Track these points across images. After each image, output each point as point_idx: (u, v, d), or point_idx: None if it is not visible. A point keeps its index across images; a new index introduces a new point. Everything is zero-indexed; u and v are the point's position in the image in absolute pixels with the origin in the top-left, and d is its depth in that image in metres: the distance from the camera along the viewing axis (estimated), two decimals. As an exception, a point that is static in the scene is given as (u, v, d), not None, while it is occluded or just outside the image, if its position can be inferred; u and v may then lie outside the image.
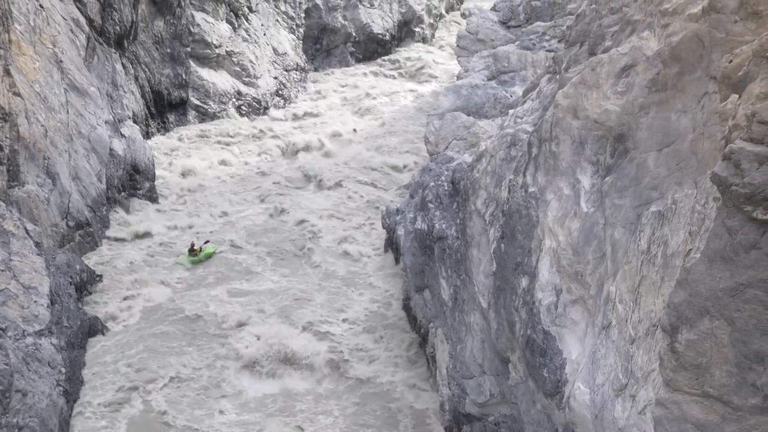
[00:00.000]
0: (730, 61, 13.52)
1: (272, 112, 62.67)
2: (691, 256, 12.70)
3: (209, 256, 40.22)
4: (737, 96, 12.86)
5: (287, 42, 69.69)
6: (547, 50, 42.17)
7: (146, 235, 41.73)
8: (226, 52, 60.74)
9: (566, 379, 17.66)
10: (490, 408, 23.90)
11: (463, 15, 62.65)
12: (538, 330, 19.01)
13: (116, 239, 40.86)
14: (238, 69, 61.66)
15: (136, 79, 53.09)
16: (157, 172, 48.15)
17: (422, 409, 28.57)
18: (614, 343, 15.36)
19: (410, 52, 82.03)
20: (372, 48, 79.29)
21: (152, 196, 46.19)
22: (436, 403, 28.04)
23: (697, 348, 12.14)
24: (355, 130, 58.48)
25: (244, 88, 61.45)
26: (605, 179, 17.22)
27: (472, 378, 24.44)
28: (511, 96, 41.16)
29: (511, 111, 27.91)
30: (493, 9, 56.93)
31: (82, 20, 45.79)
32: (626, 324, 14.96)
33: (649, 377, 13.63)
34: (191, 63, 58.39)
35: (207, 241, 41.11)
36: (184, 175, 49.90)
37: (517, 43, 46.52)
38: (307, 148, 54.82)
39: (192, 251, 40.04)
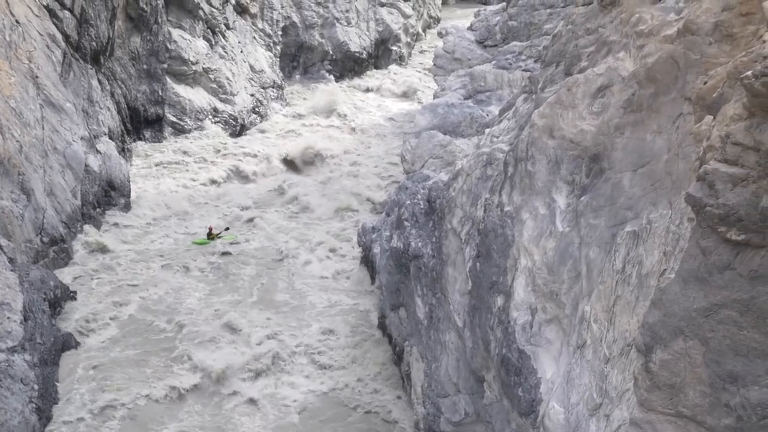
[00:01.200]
0: (705, 83, 13.62)
1: (248, 129, 62.69)
2: (666, 276, 12.74)
3: (231, 239, 43.59)
4: (712, 117, 12.95)
5: (264, 59, 69.70)
6: (524, 70, 42.36)
7: (120, 251, 41.58)
8: (203, 69, 60.67)
9: (541, 398, 17.67)
10: (464, 427, 23.88)
11: (439, 34, 62.74)
12: (513, 349, 19.03)
13: (90, 254, 40.68)
14: (214, 86, 61.59)
15: (112, 95, 52.91)
16: (132, 189, 48.00)
17: (397, 427, 28.50)
18: (589, 362, 15.39)
19: (387, 71, 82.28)
20: (349, 66, 79.50)
21: (127, 212, 46.06)
22: (410, 421, 27.99)
23: (671, 368, 12.17)
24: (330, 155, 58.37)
25: (220, 105, 61.37)
26: (580, 199, 17.28)
27: (447, 397, 24.43)
28: (487, 115, 41.27)
29: (487, 130, 28.00)
30: (470, 28, 57.16)
31: (59, 36, 45.65)
32: (601, 343, 15.00)
33: (623, 397, 13.66)
34: (168, 79, 58.27)
35: (227, 228, 44.69)
36: (158, 191, 49.77)
37: (493, 62, 46.70)
38: (281, 165, 54.83)
39: (209, 235, 43.08)
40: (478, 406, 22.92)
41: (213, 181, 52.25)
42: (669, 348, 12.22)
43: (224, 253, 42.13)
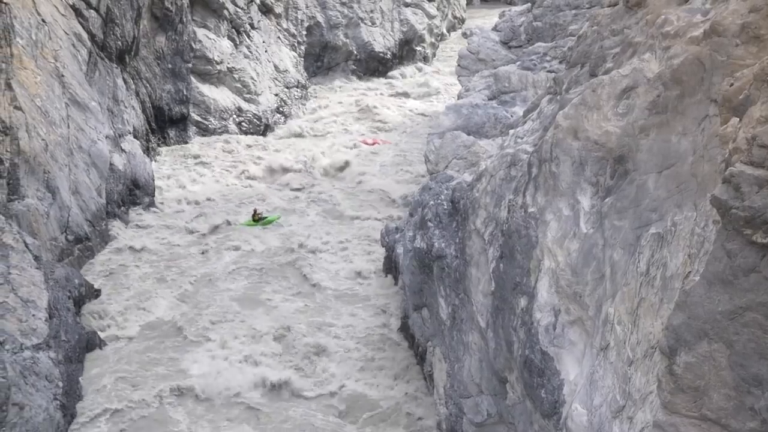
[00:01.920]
0: (731, 85, 13.54)
1: (272, 129, 62.84)
2: (690, 279, 12.67)
3: (271, 222, 45.77)
4: (738, 119, 12.87)
5: (288, 59, 69.88)
6: (548, 71, 42.22)
7: (145, 248, 41.78)
8: (228, 68, 60.91)
9: (564, 399, 17.62)
10: (487, 428, 23.82)
11: (464, 35, 62.92)
12: (536, 350, 18.98)
13: (115, 253, 40.90)
14: (239, 85, 61.80)
15: (137, 94, 53.19)
16: (156, 187, 48.21)
17: (419, 428, 28.46)
18: (612, 364, 15.33)
19: (411, 71, 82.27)
20: (373, 66, 79.62)
21: (151, 211, 46.24)
22: (433, 422, 27.96)
23: (696, 371, 12.11)
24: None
25: (244, 105, 61.59)
26: (605, 200, 17.21)
27: (470, 397, 24.39)
28: (511, 116, 41.18)
29: (511, 131, 27.95)
30: (495, 29, 57.13)
31: (84, 35, 45.89)
32: (624, 346, 14.93)
33: (646, 399, 13.60)
34: (192, 79, 58.56)
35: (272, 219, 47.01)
36: (183, 190, 49.98)
37: (518, 63, 46.57)
38: (305, 166, 54.87)
39: (255, 217, 45.81)
40: (501, 407, 22.87)
41: (237, 180, 52.41)
42: (693, 351, 12.16)
43: (261, 235, 42.68)
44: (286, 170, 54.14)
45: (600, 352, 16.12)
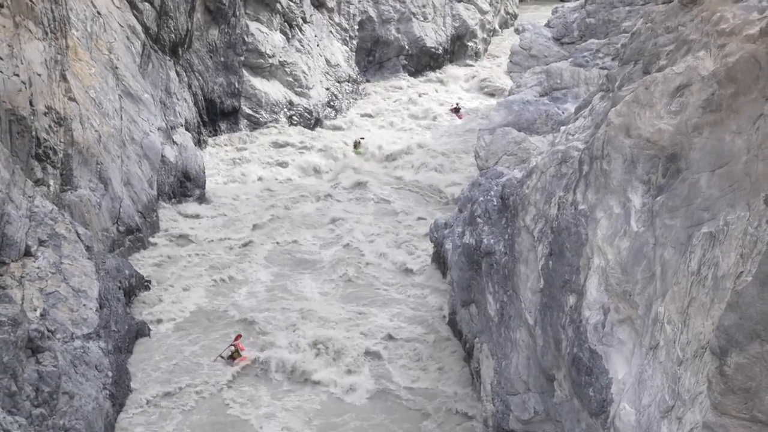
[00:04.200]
0: (787, 83, 13.41)
1: (323, 122, 62.99)
2: (743, 279, 12.57)
3: (360, 152, 54.94)
4: (793, 118, 12.75)
5: (340, 53, 70.00)
6: (601, 68, 41.97)
7: (194, 239, 42.08)
8: (279, 62, 61.09)
9: (612, 398, 17.54)
10: (534, 425, 23.78)
11: (516, 30, 62.62)
12: (585, 348, 18.90)
13: (165, 244, 41.23)
14: (290, 79, 61.98)
15: (190, 87, 53.55)
16: (207, 180, 48.48)
17: (466, 424, 28.42)
18: (662, 364, 15.24)
19: (462, 67, 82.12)
20: (424, 61, 79.49)
21: (202, 203, 46.53)
22: (479, 418, 27.92)
23: (747, 372, 12.01)
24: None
25: (296, 99, 61.75)
26: (656, 199, 17.10)
27: (517, 395, 24.34)
28: (563, 113, 40.99)
29: (562, 128, 27.81)
30: (547, 25, 56.90)
31: (138, 28, 46.29)
32: (674, 345, 14.84)
33: (696, 400, 13.50)
34: (244, 72, 58.84)
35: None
36: (233, 182, 50.28)
37: (570, 59, 46.34)
38: (356, 159, 54.97)
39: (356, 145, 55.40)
40: (548, 404, 22.81)
41: (288, 174, 52.59)
42: (745, 351, 12.06)
43: (309, 225, 42.83)
44: (336, 164, 54.26)
45: (649, 352, 16.03)
